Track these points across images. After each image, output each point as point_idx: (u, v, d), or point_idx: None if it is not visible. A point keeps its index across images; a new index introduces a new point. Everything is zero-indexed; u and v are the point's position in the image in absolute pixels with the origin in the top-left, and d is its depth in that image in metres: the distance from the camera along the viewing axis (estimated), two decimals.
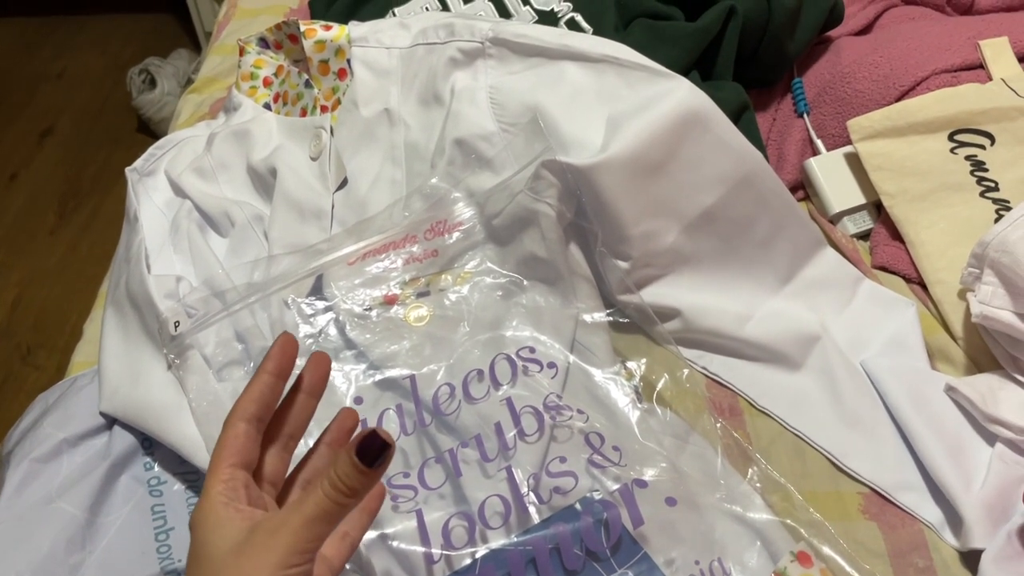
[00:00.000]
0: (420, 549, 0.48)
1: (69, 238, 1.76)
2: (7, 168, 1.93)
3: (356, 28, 0.68)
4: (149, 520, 0.53)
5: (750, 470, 0.53)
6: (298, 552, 0.34)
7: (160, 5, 2.30)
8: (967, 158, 0.66)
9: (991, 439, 0.55)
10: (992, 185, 0.65)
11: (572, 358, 0.57)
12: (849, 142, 0.68)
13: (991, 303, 0.57)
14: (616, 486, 0.50)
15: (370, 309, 0.58)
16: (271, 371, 0.40)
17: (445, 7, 0.77)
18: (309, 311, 0.57)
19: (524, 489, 0.50)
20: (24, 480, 0.53)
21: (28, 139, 2.01)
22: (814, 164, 0.70)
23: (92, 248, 1.74)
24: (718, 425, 0.55)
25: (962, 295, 0.61)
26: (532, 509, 0.49)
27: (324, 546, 0.38)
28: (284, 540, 0.34)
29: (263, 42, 0.74)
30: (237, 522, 0.36)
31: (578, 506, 0.49)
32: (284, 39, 0.73)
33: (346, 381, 0.55)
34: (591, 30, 0.71)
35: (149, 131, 1.96)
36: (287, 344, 0.41)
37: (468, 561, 0.48)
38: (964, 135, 0.66)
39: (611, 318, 0.60)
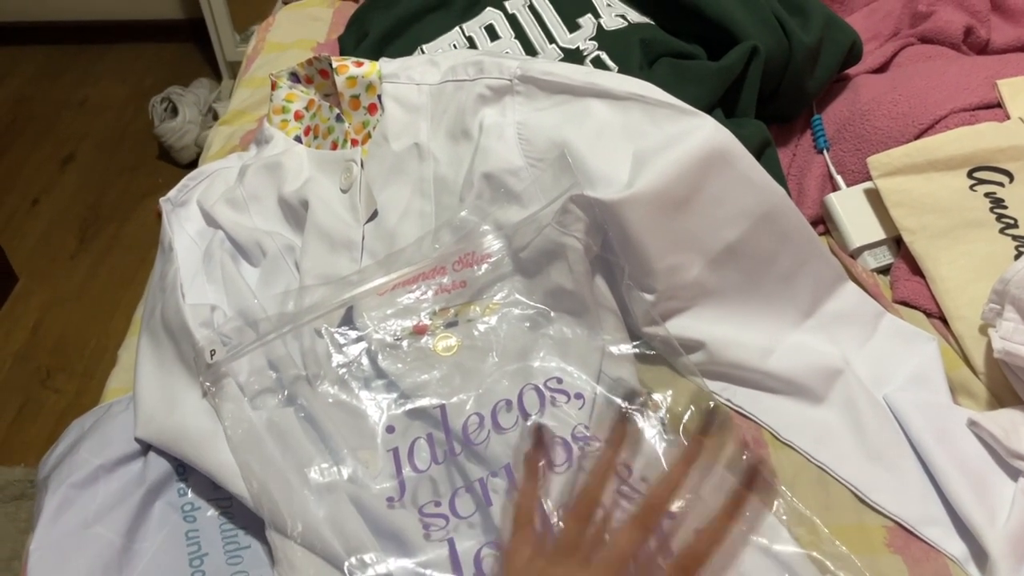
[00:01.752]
0: None
1: (89, 263, 1.78)
2: (29, 193, 1.96)
3: (387, 64, 0.70)
4: (183, 546, 0.53)
5: (776, 502, 0.54)
6: None
7: (182, 35, 2.34)
8: (986, 195, 0.67)
9: (1014, 474, 0.55)
10: (1012, 222, 0.66)
11: (599, 389, 0.57)
12: (868, 178, 0.69)
13: (1013, 339, 0.57)
14: None
15: (401, 339, 0.59)
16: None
17: (472, 45, 0.79)
18: (342, 340, 0.59)
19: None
20: (61, 506, 0.54)
21: (50, 165, 2.04)
22: (834, 199, 0.71)
23: (112, 273, 1.76)
24: (744, 457, 0.56)
25: (983, 331, 0.62)
26: None
27: None
28: None
29: (294, 76, 0.76)
30: None
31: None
32: (315, 74, 0.75)
33: (378, 410, 0.56)
34: (616, 68, 0.72)
35: (169, 158, 1.99)
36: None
37: None
38: (983, 172, 0.67)
39: (637, 350, 0.61)
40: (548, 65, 0.66)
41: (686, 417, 0.57)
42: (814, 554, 0.51)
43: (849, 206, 0.71)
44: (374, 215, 0.67)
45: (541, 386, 0.57)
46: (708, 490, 0.55)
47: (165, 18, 2.30)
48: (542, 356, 0.59)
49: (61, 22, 2.36)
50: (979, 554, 0.52)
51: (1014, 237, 0.65)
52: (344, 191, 0.68)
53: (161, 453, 0.57)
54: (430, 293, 0.61)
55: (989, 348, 0.59)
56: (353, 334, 0.59)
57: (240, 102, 0.91)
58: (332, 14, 1.03)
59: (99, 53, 2.38)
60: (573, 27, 0.76)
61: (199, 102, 1.94)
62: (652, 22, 0.77)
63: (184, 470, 0.57)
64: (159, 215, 0.71)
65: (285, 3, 1.09)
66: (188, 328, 0.58)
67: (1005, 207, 0.66)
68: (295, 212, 0.69)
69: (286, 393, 0.57)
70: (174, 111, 1.92)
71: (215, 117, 1.91)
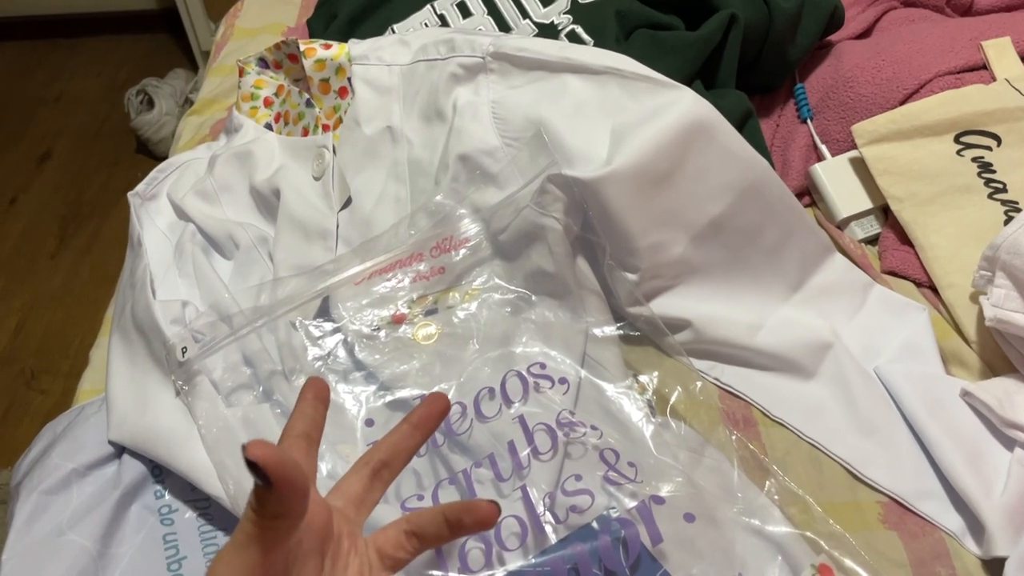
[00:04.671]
0: (438, 573, 0.47)
1: (70, 261, 1.76)
2: (6, 193, 1.93)
3: (356, 46, 0.68)
4: (161, 549, 0.52)
5: (767, 482, 0.52)
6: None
7: (156, 26, 2.30)
8: (974, 160, 0.65)
9: (1010, 444, 0.54)
10: (1000, 187, 0.64)
11: (583, 373, 0.56)
12: (853, 147, 0.68)
13: (1004, 306, 0.56)
14: (633, 503, 0.49)
15: (378, 329, 0.58)
16: (311, 396, 0.42)
17: (444, 23, 0.77)
18: (317, 333, 0.57)
19: (540, 508, 0.49)
20: (34, 513, 0.52)
21: (27, 163, 2.01)
22: (819, 170, 0.70)
23: (94, 271, 1.73)
24: (733, 437, 0.55)
25: (974, 298, 0.61)
26: (549, 529, 0.48)
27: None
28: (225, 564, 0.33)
29: (263, 62, 0.74)
30: None
31: (595, 524, 0.48)
32: (284, 59, 0.73)
33: (357, 403, 0.54)
34: (592, 42, 0.70)
35: (148, 152, 1.96)
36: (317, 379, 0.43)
37: None
38: (970, 136, 0.66)
39: (621, 331, 0.59)
40: (521, 41, 0.64)
41: (673, 398, 0.56)
42: (808, 534, 0.50)
43: (834, 176, 0.69)
44: (348, 202, 0.65)
45: (524, 372, 0.55)
46: (700, 473, 0.54)
47: (138, 9, 2.26)
48: (524, 341, 0.57)
49: (32, 17, 2.32)
50: (975, 527, 0.51)
51: (1003, 202, 0.64)
52: (317, 178, 0.66)
53: (136, 455, 0.55)
54: (407, 281, 0.59)
55: (981, 316, 0.58)
56: (329, 326, 0.57)
57: (210, 91, 0.89)
58: None
59: (72, 47, 2.34)
60: (547, 1, 0.74)
61: (175, 93, 1.91)
62: None
63: (160, 472, 0.55)
64: None
65: None
66: (158, 325, 0.56)
67: (993, 171, 0.65)
68: (267, 202, 0.67)
69: (261, 389, 0.55)
70: (150, 103, 1.89)
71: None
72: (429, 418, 0.44)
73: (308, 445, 0.41)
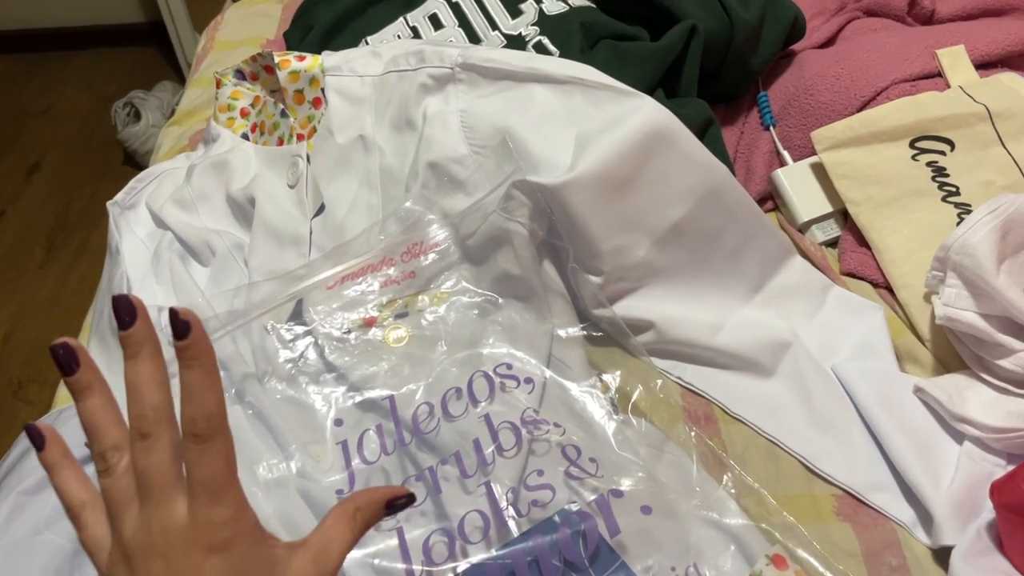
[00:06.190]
0: (401, 566, 0.48)
1: (58, 272, 1.77)
2: None
3: (329, 58, 0.70)
4: None
5: (725, 476, 0.54)
6: None
7: (143, 39, 2.32)
8: (928, 164, 0.67)
9: (959, 438, 0.56)
10: (953, 190, 0.66)
11: (548, 373, 0.58)
12: (815, 153, 0.70)
13: (955, 305, 0.58)
14: (593, 497, 0.51)
15: (349, 332, 0.59)
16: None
17: (416, 35, 0.79)
18: (289, 336, 0.59)
19: (503, 503, 0.51)
20: (11, 513, 0.53)
21: (15, 175, 2.02)
22: (781, 175, 0.72)
23: (81, 282, 1.75)
24: (692, 434, 0.56)
25: (928, 298, 0.63)
26: (511, 523, 0.50)
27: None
28: None
29: (240, 74, 0.76)
30: None
31: (556, 518, 0.50)
32: (260, 70, 0.75)
33: (326, 404, 0.56)
34: (558, 53, 0.72)
35: (135, 164, 1.97)
36: None
37: None
38: (925, 142, 0.68)
39: (585, 332, 0.61)
40: (489, 52, 0.65)
41: (635, 396, 0.58)
42: (762, 525, 0.51)
43: (796, 181, 0.71)
44: (322, 209, 0.67)
45: (491, 372, 0.57)
46: (661, 468, 0.55)
47: (125, 22, 2.28)
48: (491, 343, 0.59)
49: (21, 31, 2.34)
50: (925, 518, 0.53)
51: (956, 204, 0.66)
52: (291, 186, 0.67)
53: None
54: (377, 285, 0.61)
55: (933, 315, 0.60)
56: (300, 329, 0.59)
57: (190, 102, 0.90)
58: (281, 10, 1.03)
59: (61, 61, 2.36)
60: (515, 13, 0.76)
61: (162, 105, 1.93)
62: (593, 5, 0.78)
63: None
64: None
65: (234, 1, 1.08)
66: None
67: (947, 175, 0.67)
68: (243, 210, 0.68)
69: (234, 391, 0.57)
70: (137, 116, 1.91)
71: None
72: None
73: None
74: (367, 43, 0.80)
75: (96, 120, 2.14)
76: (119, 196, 0.71)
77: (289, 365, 0.57)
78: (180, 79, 2.12)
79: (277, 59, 0.69)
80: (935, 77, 0.72)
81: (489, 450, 0.53)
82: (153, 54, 2.31)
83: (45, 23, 2.32)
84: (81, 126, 2.14)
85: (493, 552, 0.49)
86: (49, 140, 2.11)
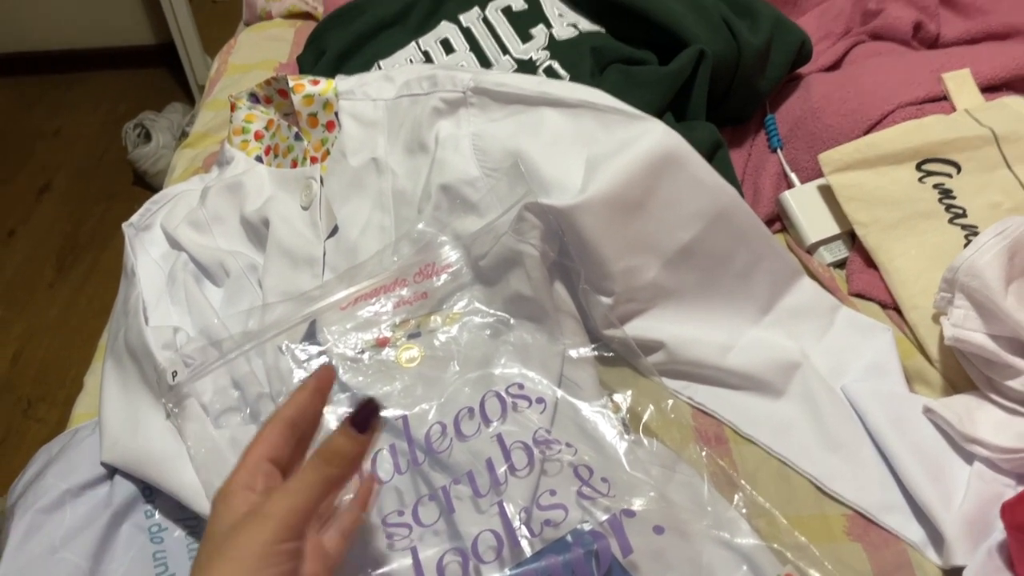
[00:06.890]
0: None
1: (68, 292, 1.78)
2: (5, 224, 1.96)
3: (343, 82, 0.71)
4: (151, 567, 0.54)
5: (736, 496, 0.54)
6: (287, 528, 0.37)
7: (154, 60, 2.35)
8: (935, 186, 0.68)
9: (969, 458, 0.56)
10: (960, 212, 0.67)
11: (560, 393, 0.58)
12: (821, 175, 0.71)
13: (964, 326, 0.58)
14: (605, 517, 0.51)
15: (362, 352, 0.60)
16: (311, 387, 0.44)
17: (428, 59, 0.80)
18: (303, 356, 0.59)
19: (516, 523, 0.51)
20: (28, 532, 0.54)
21: (26, 196, 2.04)
22: (789, 197, 0.72)
23: (91, 301, 1.76)
24: (703, 453, 0.57)
25: (936, 319, 0.63)
26: (524, 542, 0.50)
27: (322, 540, 0.41)
28: (275, 518, 0.36)
29: (254, 97, 0.77)
30: (245, 504, 0.38)
31: (569, 538, 0.50)
32: (274, 94, 0.76)
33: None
34: (568, 77, 0.73)
35: (145, 184, 1.99)
36: (327, 368, 0.46)
37: None
38: (931, 164, 0.69)
39: (597, 352, 0.61)
40: (501, 76, 0.67)
41: (646, 416, 0.58)
42: (774, 545, 0.52)
43: (803, 203, 0.72)
44: (335, 231, 0.68)
45: (503, 392, 0.58)
46: (672, 488, 0.56)
47: (136, 44, 2.31)
48: (503, 363, 0.59)
49: (32, 52, 2.37)
50: (936, 538, 0.53)
51: (963, 226, 0.67)
52: (305, 208, 0.68)
53: (127, 476, 0.57)
54: (390, 305, 0.61)
55: (942, 336, 0.60)
56: (314, 349, 0.59)
57: (203, 125, 0.92)
58: (294, 34, 1.04)
59: (72, 82, 2.38)
60: (526, 38, 0.77)
61: (172, 127, 1.95)
62: (603, 30, 0.79)
63: (151, 492, 0.57)
64: None
65: (247, 24, 1.10)
66: (150, 350, 0.58)
67: (953, 197, 0.68)
68: (257, 231, 0.69)
69: (249, 411, 0.57)
70: (147, 137, 1.92)
71: None
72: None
73: (287, 429, 0.43)
74: (379, 67, 0.81)
75: (107, 141, 2.16)
76: (134, 217, 0.72)
77: None
78: (190, 100, 2.14)
79: (291, 83, 0.71)
80: (941, 100, 0.73)
81: (502, 470, 0.53)
82: (163, 75, 2.34)
83: (56, 45, 2.35)
84: (91, 147, 2.17)
85: (506, 572, 0.49)
86: (60, 161, 2.13)
